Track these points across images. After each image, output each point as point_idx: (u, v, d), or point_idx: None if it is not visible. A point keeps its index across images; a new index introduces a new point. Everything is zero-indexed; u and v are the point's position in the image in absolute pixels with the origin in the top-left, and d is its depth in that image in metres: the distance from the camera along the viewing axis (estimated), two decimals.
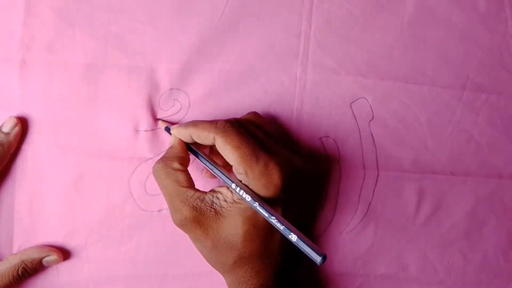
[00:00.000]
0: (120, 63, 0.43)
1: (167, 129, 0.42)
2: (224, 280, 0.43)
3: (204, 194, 0.39)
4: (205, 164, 0.40)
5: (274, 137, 0.42)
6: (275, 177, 0.37)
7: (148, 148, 0.44)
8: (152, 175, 0.43)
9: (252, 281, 0.39)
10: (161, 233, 0.45)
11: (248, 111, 0.44)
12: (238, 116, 0.43)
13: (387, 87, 0.45)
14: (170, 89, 0.44)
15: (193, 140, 0.40)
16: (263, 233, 0.39)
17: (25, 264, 0.42)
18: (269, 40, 0.44)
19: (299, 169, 0.40)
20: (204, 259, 0.41)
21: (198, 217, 0.38)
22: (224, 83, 0.44)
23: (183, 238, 0.44)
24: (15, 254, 0.42)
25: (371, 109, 0.45)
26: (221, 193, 0.39)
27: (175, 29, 0.44)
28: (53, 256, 0.43)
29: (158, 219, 0.45)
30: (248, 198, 0.36)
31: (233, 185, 0.37)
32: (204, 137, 0.38)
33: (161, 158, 0.40)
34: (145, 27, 0.44)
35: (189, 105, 0.44)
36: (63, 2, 0.43)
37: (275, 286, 0.40)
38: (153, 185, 0.44)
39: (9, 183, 0.43)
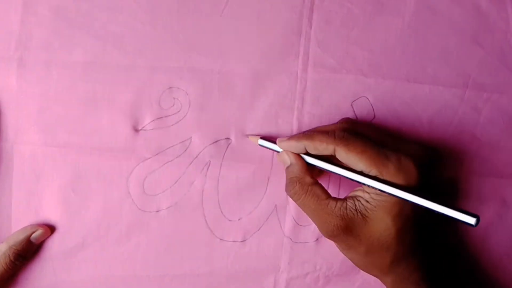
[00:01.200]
0: (119, 62, 0.43)
1: (263, 145, 0.43)
2: (221, 281, 0.42)
3: (345, 201, 0.39)
4: (332, 172, 0.40)
5: (383, 134, 0.42)
6: (411, 169, 0.37)
7: (146, 148, 0.44)
8: (150, 175, 0.44)
9: (414, 275, 0.40)
10: (159, 233, 0.45)
11: (249, 111, 0.44)
12: (237, 117, 0.43)
13: (388, 86, 0.45)
14: (170, 88, 0.44)
15: (306, 151, 0.40)
16: (414, 226, 0.39)
17: (14, 248, 0.42)
18: (269, 39, 0.44)
19: (423, 158, 0.40)
20: (203, 260, 0.41)
21: (348, 224, 0.38)
22: (224, 83, 0.44)
23: (181, 239, 0.44)
24: (2, 242, 0.42)
25: (372, 108, 0.45)
26: (360, 197, 0.39)
27: (175, 29, 0.44)
28: (40, 231, 0.43)
29: (156, 219, 0.44)
30: (398, 191, 0.36)
31: (377, 183, 0.37)
32: (322, 149, 0.39)
33: (290, 180, 0.40)
34: (145, 27, 0.44)
35: (190, 105, 0.44)
36: (62, 1, 0.43)
37: (434, 277, 0.40)
38: (151, 185, 0.44)
39: (6, 182, 0.43)
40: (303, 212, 0.44)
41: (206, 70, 0.44)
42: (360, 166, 0.38)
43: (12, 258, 0.42)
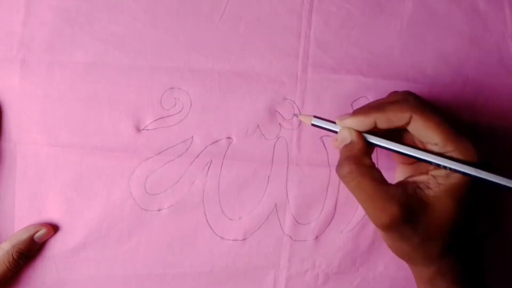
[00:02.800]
0: (120, 62, 0.43)
1: (318, 124, 0.39)
2: (222, 279, 0.43)
3: (405, 187, 0.36)
4: (401, 152, 0.36)
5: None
6: (477, 151, 0.35)
7: (148, 148, 0.44)
8: (152, 175, 0.44)
9: (457, 268, 0.37)
10: (160, 232, 0.45)
11: (249, 111, 0.44)
12: (238, 116, 0.44)
13: (387, 86, 0.45)
14: (171, 88, 0.44)
15: (372, 127, 0.36)
16: (466, 210, 0.36)
17: (17, 247, 0.42)
18: (269, 40, 0.44)
19: None
20: (204, 258, 0.41)
21: (407, 213, 0.34)
22: (224, 83, 0.44)
23: (183, 238, 0.45)
24: (5, 241, 0.43)
25: None
26: (421, 182, 0.36)
27: (175, 29, 0.44)
28: (43, 230, 0.43)
29: (157, 218, 0.45)
30: (472, 170, 0.34)
31: (451, 163, 0.34)
32: (397, 120, 0.35)
33: (345, 159, 0.36)
34: (146, 27, 0.44)
35: (191, 105, 0.44)
36: (63, 2, 0.43)
37: (474, 270, 0.39)
38: (153, 184, 0.44)
39: (10, 182, 0.43)
40: (303, 210, 0.45)
41: (207, 70, 0.44)
42: (434, 139, 0.35)
43: (15, 257, 0.42)
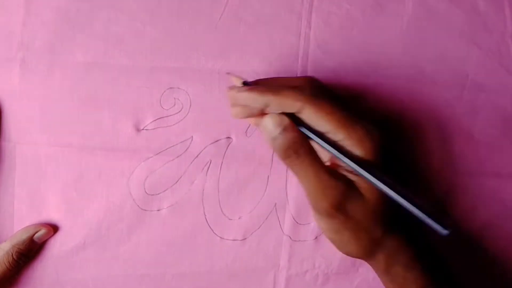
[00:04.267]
0: (120, 62, 0.44)
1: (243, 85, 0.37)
2: (221, 280, 0.43)
3: (336, 168, 0.36)
4: (321, 144, 0.35)
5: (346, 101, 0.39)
6: (376, 138, 0.35)
7: (148, 148, 0.44)
8: (152, 175, 0.44)
9: (407, 251, 0.38)
10: (160, 232, 0.45)
11: None
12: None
13: (388, 86, 0.45)
14: (171, 88, 0.44)
15: (263, 109, 0.36)
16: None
17: (17, 247, 0.42)
18: (269, 40, 0.44)
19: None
20: (203, 258, 0.40)
21: (343, 200, 0.35)
22: (224, 83, 0.44)
23: (182, 237, 0.45)
24: (5, 241, 0.43)
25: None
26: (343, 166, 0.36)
27: (175, 29, 0.44)
28: (43, 230, 0.43)
29: (157, 218, 0.45)
30: (360, 169, 0.34)
31: (345, 159, 0.34)
32: (288, 105, 0.35)
33: (293, 143, 0.35)
34: (145, 27, 0.44)
35: (190, 104, 0.44)
36: (63, 2, 0.43)
37: (428, 253, 0.39)
38: (152, 184, 0.44)
39: (9, 182, 0.44)
40: (302, 210, 0.45)
41: (207, 70, 0.44)
42: (326, 127, 0.35)
43: (15, 257, 0.42)
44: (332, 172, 0.36)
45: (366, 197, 0.36)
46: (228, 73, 0.41)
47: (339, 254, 0.45)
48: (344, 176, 0.36)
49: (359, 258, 0.40)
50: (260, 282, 0.46)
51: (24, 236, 0.42)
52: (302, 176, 0.36)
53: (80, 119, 0.43)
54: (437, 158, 0.46)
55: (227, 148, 0.45)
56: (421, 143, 0.45)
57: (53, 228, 0.44)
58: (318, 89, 0.37)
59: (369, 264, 0.41)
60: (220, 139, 0.45)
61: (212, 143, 0.45)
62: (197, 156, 0.44)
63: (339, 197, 0.35)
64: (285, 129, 0.35)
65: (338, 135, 0.35)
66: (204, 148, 0.44)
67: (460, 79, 0.45)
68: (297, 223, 0.46)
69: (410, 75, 0.45)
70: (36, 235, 0.43)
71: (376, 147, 0.35)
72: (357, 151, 0.35)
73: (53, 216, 0.44)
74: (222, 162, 0.45)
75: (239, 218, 0.45)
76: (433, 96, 0.45)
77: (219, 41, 0.44)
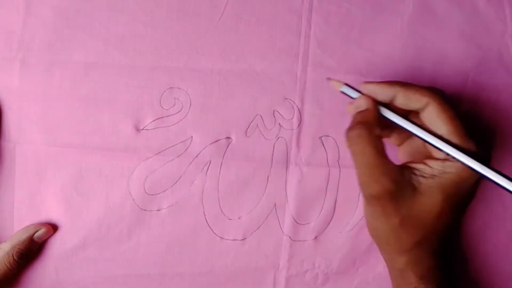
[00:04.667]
0: (120, 62, 0.44)
1: (346, 92, 0.39)
2: (221, 280, 0.43)
3: (402, 168, 0.37)
4: (407, 129, 0.37)
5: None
6: (489, 152, 0.36)
7: (148, 148, 0.44)
8: (151, 175, 0.44)
9: (428, 262, 0.38)
10: (160, 232, 0.45)
11: (249, 111, 0.44)
12: (237, 116, 0.44)
13: None
14: (171, 88, 0.44)
15: (389, 101, 0.37)
16: (456, 212, 0.37)
17: (17, 247, 0.42)
18: (269, 40, 0.45)
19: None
20: (203, 258, 0.40)
21: (396, 191, 0.36)
22: (224, 83, 0.44)
23: (182, 237, 0.45)
24: (5, 242, 0.43)
25: None
26: (418, 169, 0.37)
27: (175, 29, 0.44)
28: (42, 230, 0.43)
29: (157, 218, 0.45)
30: (474, 163, 0.34)
31: (455, 151, 0.35)
32: (415, 99, 0.36)
33: (357, 123, 0.37)
34: (145, 27, 0.44)
35: (190, 104, 0.44)
36: (63, 2, 0.43)
37: (446, 267, 0.39)
38: (152, 184, 0.44)
39: (9, 182, 0.44)
40: (302, 210, 0.45)
41: (207, 70, 0.44)
42: (442, 131, 0.36)
43: (15, 258, 0.42)
44: (392, 164, 0.37)
45: (424, 196, 0.36)
46: (328, 78, 0.41)
47: (339, 254, 0.45)
48: (406, 173, 0.37)
49: (381, 248, 0.40)
50: (260, 282, 0.46)
51: (24, 236, 0.42)
52: (362, 154, 0.36)
53: (80, 119, 0.44)
54: None
55: (227, 148, 0.45)
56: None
57: (53, 228, 0.44)
58: (444, 95, 0.37)
59: (385, 259, 0.41)
60: (220, 139, 0.45)
61: (212, 143, 0.45)
62: (197, 156, 0.44)
63: (391, 186, 0.36)
64: (370, 107, 0.37)
65: (453, 140, 0.35)
66: (204, 148, 0.45)
67: (460, 79, 0.45)
68: (297, 223, 0.46)
69: (410, 75, 0.45)
70: (36, 234, 0.43)
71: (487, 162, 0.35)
72: None
73: (53, 216, 0.44)
74: (221, 162, 0.45)
75: (239, 218, 0.45)
76: None
77: (219, 41, 0.44)
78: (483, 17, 0.45)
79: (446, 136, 0.36)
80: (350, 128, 0.37)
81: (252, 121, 0.45)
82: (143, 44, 0.44)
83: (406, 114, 0.38)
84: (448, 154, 0.36)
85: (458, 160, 0.35)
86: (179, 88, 0.44)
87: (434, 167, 0.36)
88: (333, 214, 0.46)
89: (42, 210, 0.44)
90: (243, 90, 0.45)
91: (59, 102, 0.43)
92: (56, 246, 0.44)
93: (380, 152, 0.36)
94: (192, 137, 0.44)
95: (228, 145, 0.45)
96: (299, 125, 0.45)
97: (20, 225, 0.44)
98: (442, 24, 0.45)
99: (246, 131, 0.45)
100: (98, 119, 0.44)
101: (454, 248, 0.46)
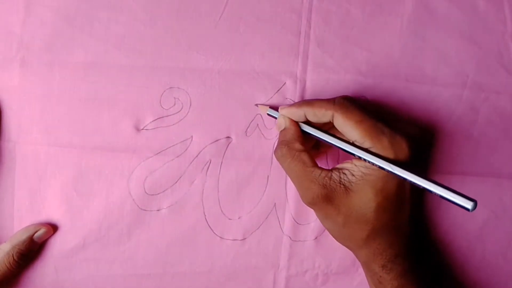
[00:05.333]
0: (120, 62, 0.44)
1: (271, 114, 0.43)
2: (221, 279, 0.43)
3: (330, 172, 0.39)
4: (325, 140, 0.40)
5: (380, 112, 0.43)
6: (404, 146, 0.38)
7: (148, 147, 0.44)
8: (151, 175, 0.44)
9: (388, 251, 0.40)
10: (160, 232, 0.45)
11: (249, 111, 0.45)
12: (237, 116, 0.44)
13: (387, 86, 0.45)
14: (171, 87, 0.44)
15: (305, 119, 0.41)
16: (394, 204, 0.39)
17: (18, 248, 0.42)
18: (269, 39, 0.44)
19: (417, 138, 0.41)
20: (203, 258, 0.41)
21: (329, 194, 0.38)
22: (224, 83, 0.44)
23: (182, 237, 0.45)
24: (5, 242, 0.43)
25: None
26: (346, 169, 0.39)
27: (175, 29, 0.44)
28: (42, 230, 0.43)
29: (157, 218, 0.45)
30: (386, 164, 0.37)
31: (371, 156, 0.37)
32: (321, 115, 0.39)
33: (280, 143, 0.41)
34: (145, 27, 0.44)
35: (190, 104, 0.44)
36: (63, 1, 0.43)
37: (408, 255, 0.41)
38: (152, 184, 0.44)
39: (9, 182, 0.44)
40: (302, 210, 0.45)
41: (206, 69, 0.44)
42: (354, 136, 0.38)
43: (15, 258, 0.42)
44: (320, 169, 0.40)
45: (357, 194, 0.39)
46: (256, 104, 0.44)
47: (339, 254, 0.45)
48: (335, 176, 0.39)
49: (344, 245, 0.42)
50: (260, 282, 0.46)
51: (24, 236, 0.42)
52: (290, 169, 0.40)
53: (80, 119, 0.43)
54: (437, 157, 0.46)
55: (226, 147, 0.45)
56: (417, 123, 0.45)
57: (53, 228, 0.44)
58: (349, 101, 0.40)
59: (355, 255, 0.43)
60: (220, 139, 0.45)
61: (212, 142, 0.45)
62: (197, 156, 0.44)
63: (322, 190, 0.38)
64: (288, 126, 0.41)
65: (365, 144, 0.38)
66: (203, 148, 0.45)
67: (460, 79, 0.45)
68: (297, 223, 0.46)
69: (410, 75, 0.45)
70: (36, 234, 0.43)
71: (401, 157, 0.38)
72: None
73: (53, 216, 0.44)
74: (221, 162, 0.45)
75: (239, 218, 0.45)
76: (433, 96, 0.45)
77: (219, 41, 0.44)
78: (483, 17, 0.45)
79: (358, 139, 0.38)
80: (275, 149, 0.41)
81: (252, 121, 0.45)
82: (143, 44, 0.44)
83: (329, 127, 0.41)
84: (358, 156, 0.38)
85: (366, 160, 0.38)
86: (179, 88, 0.44)
87: (359, 165, 0.39)
88: None
89: (42, 210, 0.44)
90: (243, 89, 0.45)
91: (59, 102, 0.43)
92: (56, 246, 0.44)
93: (305, 163, 0.39)
94: (192, 137, 0.44)
95: (228, 144, 0.45)
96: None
97: (20, 225, 0.44)
98: (442, 24, 0.45)
99: (246, 131, 0.45)
100: (98, 119, 0.44)
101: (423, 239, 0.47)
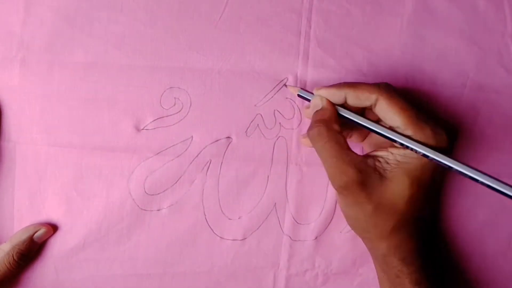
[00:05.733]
0: (120, 62, 0.44)
1: (302, 95, 0.42)
2: (221, 279, 0.43)
3: (366, 157, 0.39)
4: (364, 125, 0.39)
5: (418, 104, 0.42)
6: (445, 137, 0.38)
7: (148, 147, 0.44)
8: (151, 175, 0.44)
9: (409, 243, 0.39)
10: (160, 232, 0.45)
11: (249, 111, 0.45)
12: (238, 116, 0.44)
13: None
14: (171, 87, 0.44)
15: (344, 102, 0.40)
16: (426, 195, 0.39)
17: (18, 248, 0.42)
18: (269, 39, 0.44)
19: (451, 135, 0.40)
20: (203, 258, 0.40)
21: (364, 179, 0.37)
22: (224, 82, 0.44)
23: (182, 237, 0.45)
24: (5, 242, 0.43)
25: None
26: (381, 157, 0.39)
27: (175, 29, 0.44)
28: (42, 230, 0.43)
29: (157, 218, 0.45)
30: (430, 152, 0.36)
31: (410, 142, 0.37)
32: (364, 98, 0.38)
33: (316, 121, 0.39)
34: (145, 27, 0.44)
35: (191, 104, 0.44)
36: (63, 1, 0.43)
37: (428, 248, 0.40)
38: (152, 184, 0.44)
39: (9, 182, 0.44)
40: (302, 210, 0.45)
41: (207, 69, 0.44)
42: (397, 122, 0.37)
43: (15, 258, 0.42)
44: (356, 153, 0.39)
45: (391, 182, 0.38)
46: (285, 85, 0.44)
47: (339, 254, 0.45)
48: (371, 162, 0.38)
49: (362, 236, 0.42)
50: (260, 281, 0.46)
51: (24, 236, 0.42)
52: (325, 150, 0.38)
53: (80, 119, 0.43)
54: None
55: (227, 147, 0.45)
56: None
57: (53, 228, 0.44)
58: (392, 89, 0.39)
59: (368, 247, 0.42)
60: (220, 139, 0.45)
61: (212, 142, 0.45)
62: (197, 156, 0.45)
63: (357, 174, 0.37)
64: (325, 106, 0.40)
65: (407, 131, 0.37)
66: (204, 148, 0.45)
67: (460, 79, 0.45)
68: (297, 223, 0.46)
69: (410, 75, 0.45)
70: (36, 234, 0.43)
71: (443, 146, 0.37)
72: None
73: (53, 216, 0.44)
74: (222, 162, 0.45)
75: (239, 218, 0.45)
76: (433, 96, 0.45)
77: (219, 41, 0.44)
78: (483, 17, 0.45)
79: (401, 126, 0.37)
80: (310, 127, 0.40)
81: (252, 121, 0.45)
82: (143, 44, 0.44)
83: (361, 111, 0.41)
84: (400, 143, 0.38)
85: (409, 148, 0.37)
86: (179, 87, 0.44)
87: (396, 153, 0.38)
88: (334, 214, 0.46)
89: (42, 210, 0.44)
90: (243, 89, 0.45)
91: (59, 102, 0.43)
92: (56, 246, 0.44)
93: (342, 145, 0.38)
94: (192, 136, 0.44)
95: (229, 144, 0.45)
96: (299, 124, 0.45)
97: (20, 225, 0.44)
98: (442, 24, 0.45)
99: (246, 131, 0.45)
100: (98, 119, 0.44)
101: (437, 233, 0.46)
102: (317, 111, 0.40)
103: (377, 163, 0.38)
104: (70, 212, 0.44)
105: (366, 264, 0.46)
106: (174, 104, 0.44)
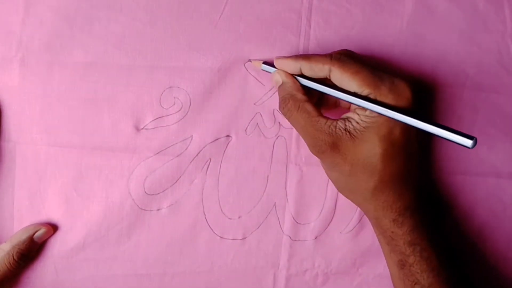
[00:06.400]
0: (119, 62, 0.43)
1: (265, 69, 0.43)
2: (221, 279, 0.43)
3: (336, 121, 0.39)
4: (323, 91, 0.40)
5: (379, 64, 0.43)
6: (405, 90, 0.38)
7: (148, 147, 0.44)
8: (151, 174, 0.44)
9: (397, 204, 0.40)
10: (159, 232, 0.45)
11: (249, 110, 0.45)
12: (237, 115, 0.44)
13: None
14: (170, 87, 0.44)
15: (300, 73, 0.41)
16: (401, 153, 0.39)
17: (18, 248, 0.42)
18: (269, 39, 0.44)
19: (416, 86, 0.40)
20: (203, 258, 0.41)
21: (335, 141, 0.39)
22: (223, 82, 0.44)
23: (182, 237, 0.45)
24: (5, 242, 0.43)
25: None
26: (351, 118, 0.39)
27: (175, 29, 0.44)
28: (42, 230, 0.43)
29: (157, 218, 0.45)
30: (382, 109, 0.37)
31: (366, 103, 0.37)
32: (318, 69, 0.39)
33: (282, 97, 0.41)
34: (145, 27, 0.44)
35: (190, 103, 0.44)
36: (63, 1, 0.43)
37: (418, 208, 0.41)
38: (152, 184, 0.44)
39: (9, 182, 0.44)
40: (302, 210, 0.45)
41: (206, 69, 0.44)
42: (353, 87, 0.38)
43: (15, 258, 0.42)
44: (325, 118, 0.40)
45: (362, 141, 0.38)
46: (249, 60, 0.44)
47: (339, 254, 0.45)
48: (340, 124, 0.39)
49: (350, 199, 0.42)
50: (260, 281, 0.46)
51: (24, 236, 0.42)
52: (296, 121, 0.40)
53: (80, 119, 0.43)
54: (437, 158, 0.46)
55: (226, 146, 0.45)
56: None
57: (53, 228, 0.44)
58: (347, 55, 0.40)
59: (364, 213, 0.43)
60: (219, 138, 0.45)
61: (212, 141, 0.45)
62: (196, 155, 0.45)
63: (328, 137, 0.39)
64: (285, 79, 0.41)
65: (364, 93, 0.38)
66: (203, 147, 0.45)
67: (460, 78, 0.45)
68: (297, 222, 0.46)
69: (410, 75, 0.45)
70: (36, 234, 0.43)
71: (403, 102, 0.38)
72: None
73: (53, 216, 0.44)
74: (221, 161, 0.45)
75: (239, 217, 0.45)
76: (433, 96, 0.45)
77: (219, 41, 0.44)
78: (483, 17, 0.45)
79: (357, 90, 0.38)
80: (280, 104, 0.41)
81: (251, 120, 0.45)
82: (143, 44, 0.44)
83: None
84: (356, 105, 0.38)
85: (365, 108, 0.38)
86: (178, 87, 0.44)
87: (361, 114, 0.39)
88: (334, 214, 0.46)
89: (42, 210, 0.44)
90: (243, 88, 0.45)
91: (59, 102, 0.43)
92: (56, 246, 0.44)
93: (310, 113, 0.39)
94: (192, 136, 0.44)
95: (228, 143, 0.45)
96: None
97: (20, 225, 0.44)
98: (442, 24, 0.45)
99: (246, 130, 0.45)
100: (97, 119, 0.44)
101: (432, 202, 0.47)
102: (280, 86, 0.42)
103: (347, 125, 0.39)
104: (70, 212, 0.44)
105: (366, 264, 0.46)
106: (174, 104, 0.44)
